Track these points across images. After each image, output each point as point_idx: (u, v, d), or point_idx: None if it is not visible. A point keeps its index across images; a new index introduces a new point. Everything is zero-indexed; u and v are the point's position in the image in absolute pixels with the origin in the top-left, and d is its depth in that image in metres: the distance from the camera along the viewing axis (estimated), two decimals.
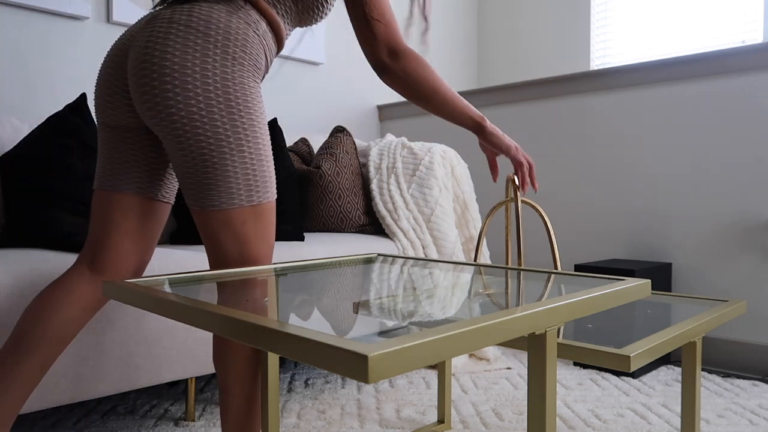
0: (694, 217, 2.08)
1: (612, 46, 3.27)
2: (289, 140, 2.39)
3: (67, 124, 1.55)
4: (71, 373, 1.25)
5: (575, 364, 2.03)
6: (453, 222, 2.06)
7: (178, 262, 1.44)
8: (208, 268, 1.49)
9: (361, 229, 2.11)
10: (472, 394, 1.73)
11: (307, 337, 0.55)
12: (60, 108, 2.02)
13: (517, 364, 2.02)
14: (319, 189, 2.09)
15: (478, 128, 1.18)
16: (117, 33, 2.12)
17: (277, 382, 1.25)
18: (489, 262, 2.20)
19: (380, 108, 3.08)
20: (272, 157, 1.01)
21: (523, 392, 1.74)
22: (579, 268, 2.05)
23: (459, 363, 1.96)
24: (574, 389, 1.76)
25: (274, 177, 1.01)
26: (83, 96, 1.63)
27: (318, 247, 1.76)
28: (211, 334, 1.49)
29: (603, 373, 1.91)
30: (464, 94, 2.77)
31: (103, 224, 1.05)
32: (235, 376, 0.96)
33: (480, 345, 0.60)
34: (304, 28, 1.52)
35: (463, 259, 2.09)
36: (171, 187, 1.12)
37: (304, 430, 1.47)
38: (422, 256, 2.00)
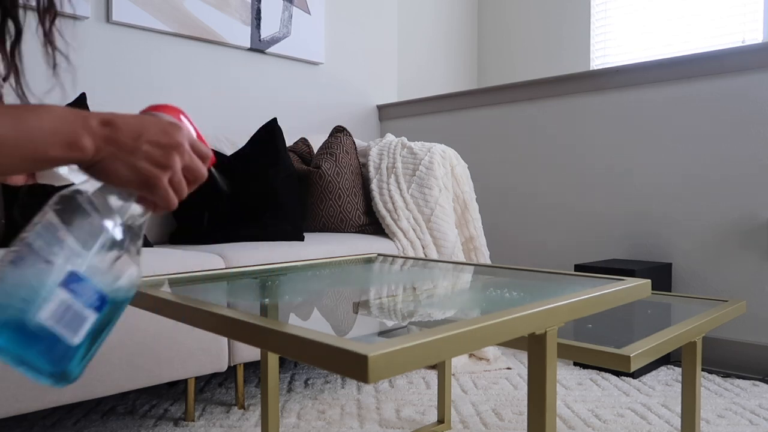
0: (694, 217, 2.08)
1: (612, 46, 3.27)
2: (289, 140, 2.39)
3: None
4: None
5: (575, 364, 2.03)
6: (453, 222, 2.06)
7: (178, 262, 1.44)
8: (208, 268, 1.49)
9: (361, 229, 2.10)
10: (472, 394, 1.73)
11: (307, 337, 0.55)
12: None
13: (517, 364, 2.02)
14: (319, 189, 2.09)
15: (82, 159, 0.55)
16: (117, 33, 2.12)
17: (277, 382, 1.25)
18: (489, 262, 2.20)
19: (380, 108, 3.08)
20: None
21: (523, 392, 1.74)
22: (579, 268, 2.04)
23: (459, 363, 1.96)
24: (574, 389, 1.76)
25: None
26: (83, 96, 1.63)
27: (318, 247, 1.76)
28: (211, 334, 1.49)
29: (603, 373, 1.91)
30: (464, 94, 2.76)
31: None
32: None
33: (480, 345, 0.60)
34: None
35: (462, 259, 2.09)
36: None
37: (304, 430, 1.47)
38: (422, 256, 2.00)
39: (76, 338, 0.51)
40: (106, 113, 0.54)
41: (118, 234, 0.55)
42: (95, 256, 0.53)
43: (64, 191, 0.55)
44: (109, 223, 0.54)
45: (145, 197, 0.57)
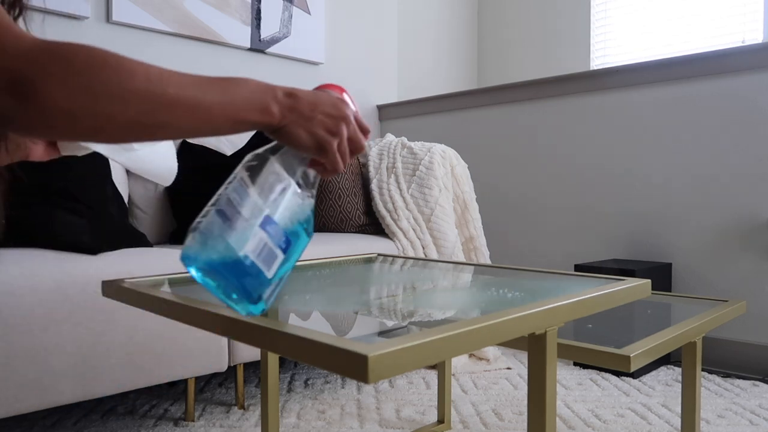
0: (694, 217, 2.08)
1: (612, 46, 3.27)
2: None
3: None
4: (71, 373, 1.25)
5: (575, 364, 2.03)
6: (453, 222, 2.06)
7: (178, 262, 1.44)
8: None
9: (361, 229, 2.10)
10: (472, 394, 1.73)
11: (307, 337, 0.55)
12: None
13: (517, 364, 2.02)
14: (319, 189, 2.09)
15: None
16: (117, 33, 2.12)
17: (277, 382, 1.25)
18: (489, 262, 2.20)
19: (380, 108, 3.08)
20: None
21: (523, 392, 1.74)
22: (579, 268, 2.04)
23: (459, 363, 1.96)
24: (574, 389, 1.76)
25: None
26: None
27: (318, 247, 1.76)
28: (211, 334, 1.49)
29: (603, 373, 1.91)
30: (464, 94, 2.76)
31: None
32: None
33: (480, 345, 0.60)
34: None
35: (462, 259, 2.09)
36: None
37: (303, 430, 1.47)
38: (422, 256, 2.00)
39: (270, 272, 0.61)
40: (289, 87, 0.63)
41: (298, 188, 0.65)
42: (282, 204, 0.63)
43: (258, 150, 0.66)
44: (290, 179, 0.64)
45: (316, 161, 0.66)
